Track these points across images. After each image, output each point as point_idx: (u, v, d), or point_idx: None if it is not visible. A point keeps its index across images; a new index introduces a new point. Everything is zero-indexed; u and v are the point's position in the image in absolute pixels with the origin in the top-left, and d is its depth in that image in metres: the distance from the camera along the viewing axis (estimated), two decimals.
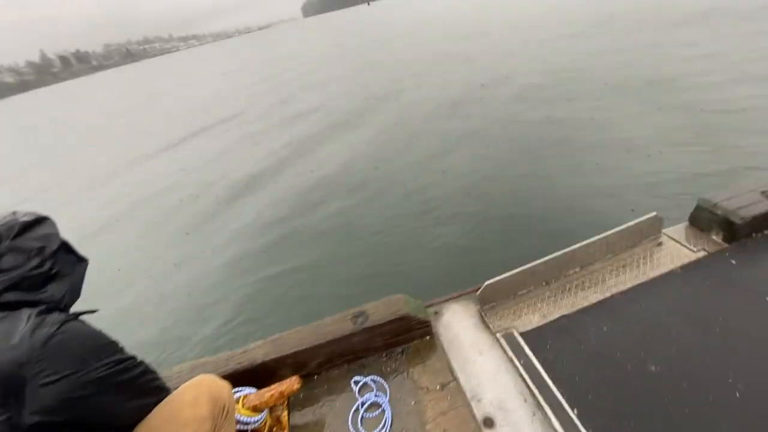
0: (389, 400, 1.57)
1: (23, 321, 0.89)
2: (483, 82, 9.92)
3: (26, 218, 1.04)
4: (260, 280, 4.43)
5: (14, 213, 1.05)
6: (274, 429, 1.56)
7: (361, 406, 1.57)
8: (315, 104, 12.13)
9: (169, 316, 4.29)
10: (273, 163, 7.94)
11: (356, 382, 1.67)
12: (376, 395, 1.60)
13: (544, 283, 1.88)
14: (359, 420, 1.53)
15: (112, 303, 4.74)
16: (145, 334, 4.10)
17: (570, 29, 13.99)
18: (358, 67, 17.62)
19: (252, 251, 5.06)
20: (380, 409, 1.55)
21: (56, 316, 0.94)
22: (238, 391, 1.56)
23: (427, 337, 1.80)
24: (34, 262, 1.00)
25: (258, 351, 1.74)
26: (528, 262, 1.86)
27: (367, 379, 1.67)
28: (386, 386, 1.64)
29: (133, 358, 1.04)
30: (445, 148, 6.60)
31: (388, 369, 1.71)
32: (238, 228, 5.74)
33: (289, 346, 1.73)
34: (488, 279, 1.80)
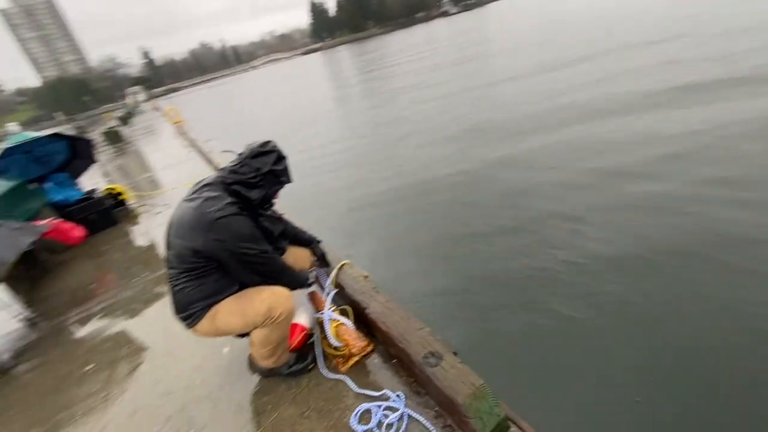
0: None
1: (219, 202, 1.68)
2: None
3: (262, 148, 1.82)
4: None
5: (266, 143, 1.84)
6: (340, 362, 1.91)
7: (379, 409, 1.60)
8: None
9: None
10: None
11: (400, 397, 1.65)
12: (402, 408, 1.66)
13: None
14: (375, 416, 1.64)
15: None
16: None
17: None
18: None
19: None
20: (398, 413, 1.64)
21: (232, 209, 1.67)
22: (341, 314, 1.96)
23: None
24: (251, 174, 1.79)
25: (378, 305, 2.00)
26: None
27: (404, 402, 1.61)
28: (420, 417, 1.61)
29: (262, 251, 1.73)
30: None
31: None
32: None
33: (390, 319, 1.87)
34: None
